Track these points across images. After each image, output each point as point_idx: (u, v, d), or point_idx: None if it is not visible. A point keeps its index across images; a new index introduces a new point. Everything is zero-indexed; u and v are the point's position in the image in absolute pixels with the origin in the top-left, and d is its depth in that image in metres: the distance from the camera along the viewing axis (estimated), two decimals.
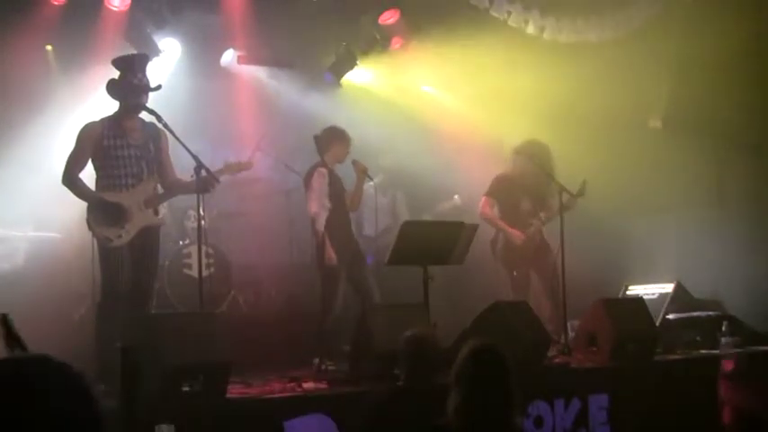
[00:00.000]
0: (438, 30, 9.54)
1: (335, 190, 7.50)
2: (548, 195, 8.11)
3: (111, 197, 6.08)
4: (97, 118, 6.26)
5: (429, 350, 4.80)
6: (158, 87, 6.26)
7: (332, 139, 7.59)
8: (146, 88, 6.21)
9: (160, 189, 6.41)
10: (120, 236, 6.07)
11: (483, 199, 8.32)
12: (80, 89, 8.10)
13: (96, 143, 6.12)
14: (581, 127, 9.25)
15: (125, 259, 6.08)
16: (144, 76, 6.26)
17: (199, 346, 5.25)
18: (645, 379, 6.70)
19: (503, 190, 8.31)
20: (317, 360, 6.84)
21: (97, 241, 6.12)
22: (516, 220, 8.25)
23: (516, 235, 8.12)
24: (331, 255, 7.24)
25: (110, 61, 6.38)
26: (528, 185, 8.26)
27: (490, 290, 8.22)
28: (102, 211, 6.06)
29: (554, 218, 7.87)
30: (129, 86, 6.17)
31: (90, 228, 6.12)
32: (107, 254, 6.08)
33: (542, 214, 8.25)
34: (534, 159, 8.04)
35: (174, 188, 6.43)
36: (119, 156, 6.14)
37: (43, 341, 6.81)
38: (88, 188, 6.18)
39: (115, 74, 6.32)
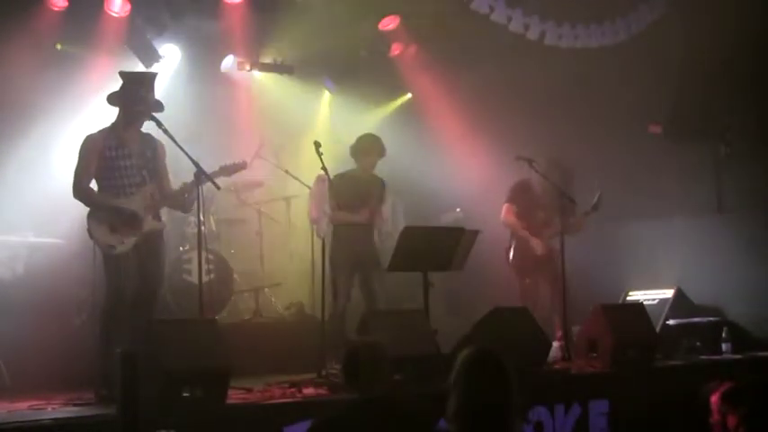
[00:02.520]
0: (438, 36, 9.56)
1: (357, 193, 7.61)
2: (562, 210, 8.15)
3: (124, 203, 6.11)
4: (95, 129, 6.26)
5: (373, 361, 4.62)
6: (162, 109, 6.29)
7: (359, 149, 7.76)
8: (153, 104, 6.26)
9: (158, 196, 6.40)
10: (122, 242, 6.08)
11: (505, 206, 8.37)
12: (80, 95, 8.11)
13: (99, 154, 6.15)
14: (581, 133, 9.26)
15: (129, 265, 6.08)
16: (153, 92, 6.33)
17: (199, 352, 5.24)
18: (645, 385, 6.69)
19: (522, 198, 8.32)
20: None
21: (100, 249, 6.11)
22: (531, 229, 8.26)
23: (537, 243, 8.17)
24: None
25: (120, 72, 6.34)
26: (544, 197, 8.26)
27: (491, 295, 8.23)
28: (107, 220, 6.06)
29: (567, 233, 7.94)
30: (138, 97, 6.20)
31: (91, 236, 6.10)
32: (111, 261, 6.07)
33: (553, 229, 8.29)
34: (551, 175, 8.06)
35: (169, 197, 6.42)
36: (121, 166, 6.17)
37: (44, 346, 6.84)
38: (101, 197, 6.16)
39: (108, 83, 6.37)
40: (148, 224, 6.20)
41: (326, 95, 10.13)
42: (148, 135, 6.34)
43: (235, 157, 6.74)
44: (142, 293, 6.13)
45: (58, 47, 8.30)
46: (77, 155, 6.18)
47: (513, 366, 3.72)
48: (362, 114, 10.07)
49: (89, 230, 6.09)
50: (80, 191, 6.14)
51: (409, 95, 10.58)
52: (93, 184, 6.22)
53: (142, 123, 6.27)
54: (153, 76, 6.51)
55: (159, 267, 6.41)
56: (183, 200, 6.41)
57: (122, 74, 6.36)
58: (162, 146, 6.36)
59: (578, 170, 8.48)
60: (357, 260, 7.61)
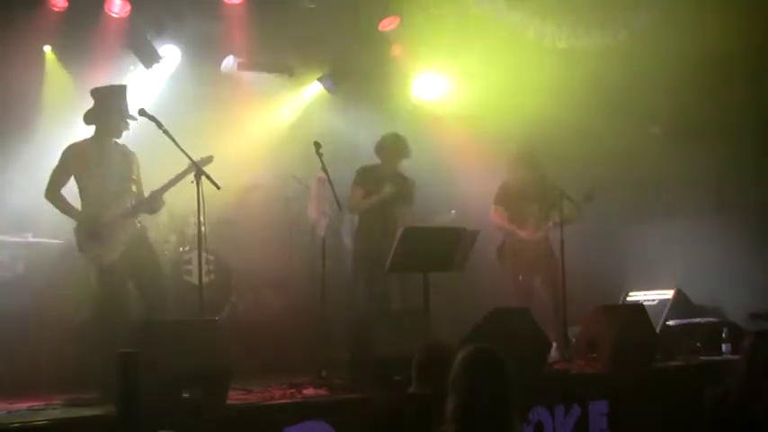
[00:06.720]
0: (438, 36, 9.55)
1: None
2: (555, 201, 8.12)
3: (94, 213, 6.37)
4: (80, 139, 6.57)
5: (444, 360, 4.73)
6: (135, 117, 6.52)
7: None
8: (129, 115, 6.53)
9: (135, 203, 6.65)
10: (110, 251, 6.34)
11: (493, 208, 8.36)
12: (80, 96, 8.10)
13: (82, 164, 6.43)
14: (581, 133, 9.25)
15: (123, 272, 6.34)
16: (127, 102, 6.61)
17: (199, 352, 5.25)
18: (645, 385, 6.70)
19: (509, 197, 8.31)
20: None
21: (90, 261, 6.39)
22: (524, 226, 8.24)
23: (523, 233, 8.14)
24: None
25: (91, 91, 6.61)
26: (532, 191, 8.26)
27: (491, 296, 8.22)
28: (88, 229, 6.34)
29: (564, 224, 7.91)
30: (119, 112, 6.49)
31: (81, 249, 6.38)
32: (104, 271, 6.32)
33: (551, 222, 8.28)
34: (533, 165, 8.08)
35: (144, 203, 6.62)
36: (101, 175, 6.44)
37: (44, 347, 6.84)
38: (71, 205, 6.45)
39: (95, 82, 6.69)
40: (129, 228, 6.46)
41: (325, 96, 10.08)
42: (124, 146, 6.64)
43: (233, 156, 6.78)
44: (148, 292, 6.46)
45: (46, 48, 8.34)
46: (59, 159, 6.47)
47: (511, 365, 3.72)
48: (360, 116, 10.04)
49: (79, 244, 6.38)
50: (54, 193, 6.43)
51: (407, 97, 10.52)
52: (69, 193, 6.49)
53: (121, 134, 6.56)
54: (125, 87, 6.72)
55: (155, 262, 6.66)
56: (155, 204, 6.62)
57: (97, 90, 6.59)
58: (135, 155, 6.67)
59: (578, 169, 8.49)
60: (377, 256, 7.55)
